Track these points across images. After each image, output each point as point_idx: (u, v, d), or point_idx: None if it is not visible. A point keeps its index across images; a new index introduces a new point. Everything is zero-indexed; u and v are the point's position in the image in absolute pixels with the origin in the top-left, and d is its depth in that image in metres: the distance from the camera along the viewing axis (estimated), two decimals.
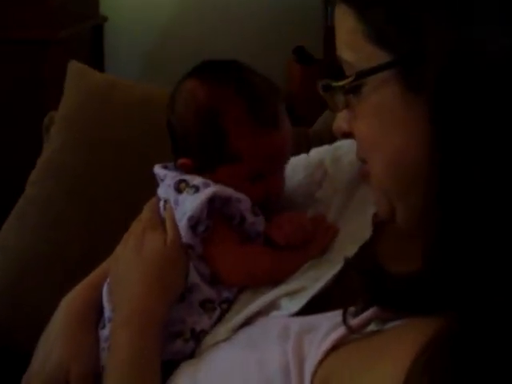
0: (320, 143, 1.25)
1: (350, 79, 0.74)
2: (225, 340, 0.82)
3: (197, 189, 0.88)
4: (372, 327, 0.70)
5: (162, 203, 0.93)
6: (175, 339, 0.86)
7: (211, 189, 0.87)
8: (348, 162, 0.93)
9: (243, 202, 0.88)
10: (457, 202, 0.65)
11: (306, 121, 1.86)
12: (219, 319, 0.86)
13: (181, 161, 0.92)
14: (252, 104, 0.91)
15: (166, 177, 0.94)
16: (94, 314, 0.89)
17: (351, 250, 0.84)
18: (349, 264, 0.78)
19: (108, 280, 0.91)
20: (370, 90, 0.74)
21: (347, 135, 0.81)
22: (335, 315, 0.72)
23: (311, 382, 0.69)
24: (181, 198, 0.89)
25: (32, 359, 0.90)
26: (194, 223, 0.87)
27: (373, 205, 0.84)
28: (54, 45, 2.07)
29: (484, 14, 0.68)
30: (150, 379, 0.81)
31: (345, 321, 0.70)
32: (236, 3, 2.45)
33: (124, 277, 0.87)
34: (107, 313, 0.89)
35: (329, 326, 0.71)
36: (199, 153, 0.92)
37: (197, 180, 0.89)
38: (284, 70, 2.32)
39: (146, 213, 0.92)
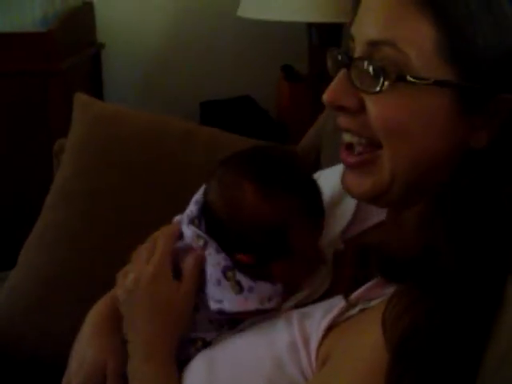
0: (307, 159, 1.36)
1: (408, 76, 0.73)
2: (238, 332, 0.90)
3: (240, 289, 0.90)
4: (360, 306, 0.80)
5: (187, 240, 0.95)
6: (189, 346, 0.92)
7: (253, 304, 0.89)
8: (328, 186, 0.99)
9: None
10: (457, 204, 0.74)
11: (293, 135, 1.91)
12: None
13: (239, 257, 0.92)
14: (312, 211, 0.93)
15: (207, 245, 0.94)
16: (115, 321, 0.96)
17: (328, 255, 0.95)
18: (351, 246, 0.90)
19: None
20: (418, 88, 0.74)
21: (339, 108, 0.80)
22: (324, 304, 0.85)
23: (316, 355, 0.80)
24: (224, 284, 0.91)
25: (68, 363, 0.98)
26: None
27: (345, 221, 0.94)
28: (56, 76, 2.10)
29: None
30: None
31: (346, 298, 0.80)
32: (229, 27, 2.51)
33: (136, 313, 0.93)
34: None
35: (323, 312, 0.83)
36: (256, 251, 0.92)
37: (242, 278, 0.91)
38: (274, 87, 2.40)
39: (158, 254, 0.95)
